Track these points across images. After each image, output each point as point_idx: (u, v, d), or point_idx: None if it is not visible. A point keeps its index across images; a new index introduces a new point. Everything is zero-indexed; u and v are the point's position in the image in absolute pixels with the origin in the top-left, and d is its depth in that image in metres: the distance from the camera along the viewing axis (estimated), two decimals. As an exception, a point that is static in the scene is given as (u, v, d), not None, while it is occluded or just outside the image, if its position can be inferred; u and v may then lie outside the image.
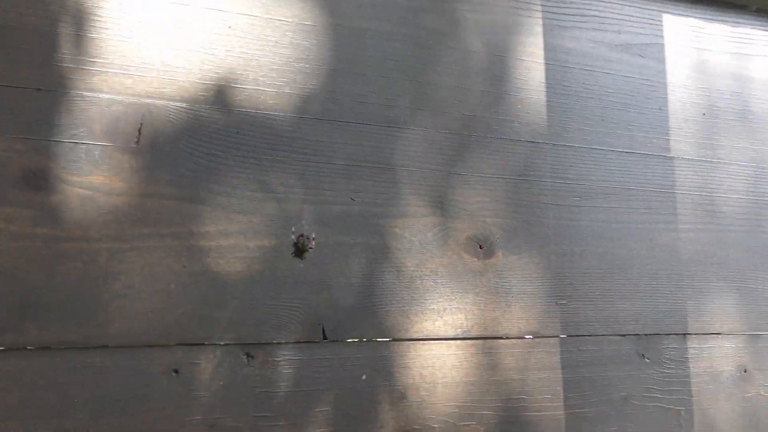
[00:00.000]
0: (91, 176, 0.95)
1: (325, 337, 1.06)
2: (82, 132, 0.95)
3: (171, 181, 1.00)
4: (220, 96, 1.05)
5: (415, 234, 1.14)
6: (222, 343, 1.00)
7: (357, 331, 1.09)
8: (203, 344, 0.98)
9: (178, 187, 1.00)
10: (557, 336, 1.23)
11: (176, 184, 1.00)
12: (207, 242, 1.00)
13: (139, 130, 0.98)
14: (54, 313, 0.91)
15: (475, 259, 1.18)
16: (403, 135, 1.16)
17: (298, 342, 1.04)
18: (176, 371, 0.96)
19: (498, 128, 1.24)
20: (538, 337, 1.22)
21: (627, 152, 1.36)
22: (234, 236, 1.02)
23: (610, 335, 1.28)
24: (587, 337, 1.26)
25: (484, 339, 1.17)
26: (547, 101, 1.30)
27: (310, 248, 1.02)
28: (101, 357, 0.93)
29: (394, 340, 1.11)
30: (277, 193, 1.06)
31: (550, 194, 1.27)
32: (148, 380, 0.95)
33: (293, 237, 1.03)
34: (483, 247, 1.20)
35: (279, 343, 1.03)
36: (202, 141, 1.03)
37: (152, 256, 0.97)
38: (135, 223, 0.97)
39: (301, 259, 1.01)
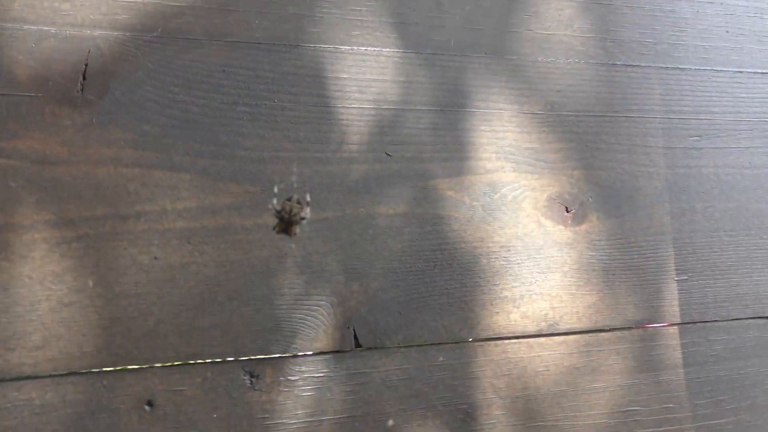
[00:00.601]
0: (17, 140, 0.64)
1: (357, 344, 0.73)
2: (1, 78, 0.64)
3: (132, 142, 0.68)
4: (197, 22, 0.71)
5: (476, 197, 0.78)
6: (214, 361, 0.68)
7: (402, 334, 0.75)
8: (187, 364, 0.67)
9: (142, 150, 0.68)
10: (677, 323, 0.86)
11: (140, 145, 0.68)
12: (187, 223, 0.68)
13: (84, 74, 0.66)
14: (-30, 332, 0.61)
15: (561, 227, 0.82)
16: (452, 64, 0.80)
17: (321, 353, 0.71)
18: (150, 403, 0.65)
19: (583, 49, 0.86)
20: (650, 326, 0.84)
21: (762, 73, 0.94)
22: (225, 213, 0.69)
23: (750, 318, 0.89)
24: (718, 323, 0.88)
25: (578, 334, 0.82)
26: (651, 9, 0.91)
27: (302, 219, 0.68)
28: (40, 390, 0.62)
29: (455, 342, 0.77)
30: (283, 150, 0.72)
31: (659, 134, 0.88)
32: (110, 418, 0.64)
33: (274, 203, 0.69)
34: (571, 209, 0.83)
35: (293, 356, 0.70)
36: (174, 85, 0.70)
37: (109, 247, 0.65)
38: (83, 202, 0.65)
39: (290, 236, 0.68)
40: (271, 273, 0.70)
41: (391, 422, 0.71)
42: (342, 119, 0.77)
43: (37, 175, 0.65)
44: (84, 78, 0.67)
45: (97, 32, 0.68)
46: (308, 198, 0.70)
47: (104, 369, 0.64)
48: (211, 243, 0.69)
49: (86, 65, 0.68)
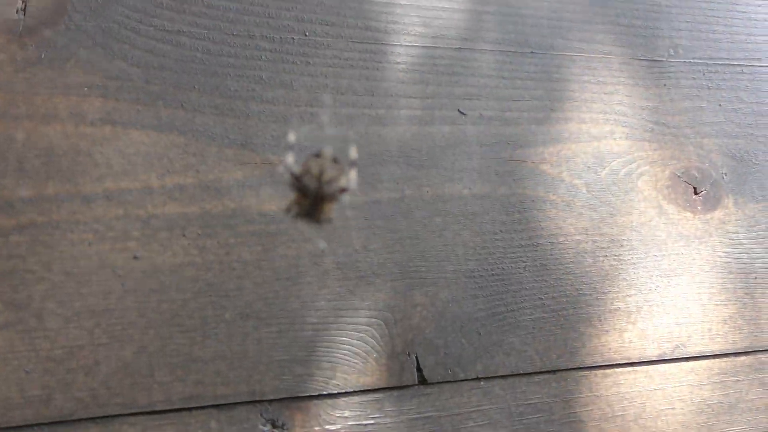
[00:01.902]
0: (-76, 82, 0.42)
1: (422, 379, 0.51)
2: None
3: (100, 88, 0.45)
4: None
5: (578, 173, 0.56)
6: (221, 405, 0.46)
7: (482, 363, 0.53)
8: (180, 410, 0.45)
9: (115, 99, 0.46)
10: (835, 344, 0.63)
11: (111, 93, 0.46)
12: (181, 207, 0.46)
13: None
14: None
15: (689, 214, 0.60)
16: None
17: (371, 391, 0.50)
18: (128, 468, 0.44)
19: (716, -25, 0.63)
20: (801, 347, 0.62)
21: None
22: (235, 193, 0.47)
23: None
24: None
25: (711, 358, 0.60)
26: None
27: (342, 191, 0.36)
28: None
29: (551, 371, 0.55)
30: (316, 104, 0.50)
31: (813, 90, 0.65)
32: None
33: (290, 161, 0.36)
34: (701, 190, 0.61)
35: (333, 396, 0.49)
36: (164, 6, 0.47)
37: (67, 241, 0.44)
38: (27, 176, 0.43)
39: (318, 222, 0.37)
40: (301, 279, 0.49)
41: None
42: (399, 62, 0.54)
43: (-41, 135, 0.43)
44: (29, -6, 0.45)
45: (48, -74, 0.46)
46: (353, 154, 0.39)
47: (59, 420, 0.43)
48: (216, 236, 0.47)
49: (33, -25, 0.45)
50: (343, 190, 0.36)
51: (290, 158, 0.35)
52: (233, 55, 0.50)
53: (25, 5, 0.45)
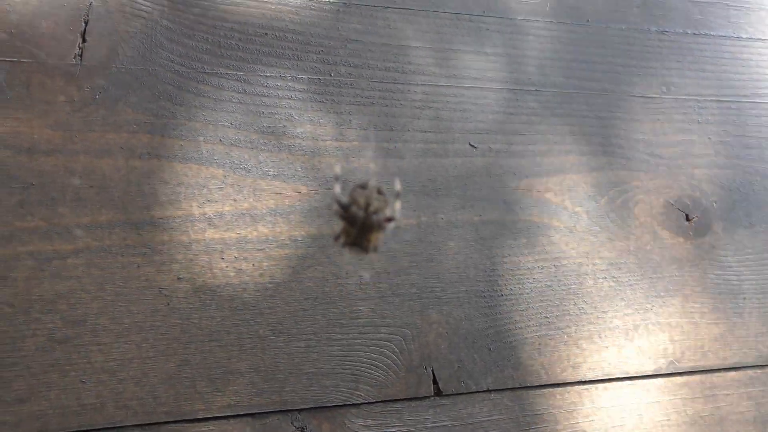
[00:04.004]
0: (-6, 120, 0.47)
1: (437, 391, 0.56)
2: (-29, 38, 0.47)
3: (148, 125, 0.50)
4: (232, -29, 0.54)
5: (579, 201, 0.61)
6: (255, 413, 0.51)
7: (492, 376, 0.58)
8: (220, 417, 0.50)
9: (160, 135, 0.51)
10: (819, 360, 0.68)
11: (157, 129, 0.51)
12: (219, 233, 0.51)
13: (83, 34, 0.49)
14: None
15: (681, 239, 0.65)
16: (549, 33, 0.63)
17: (392, 401, 0.54)
18: (171, 472, 0.48)
19: (705, 19, 0.68)
20: (787, 363, 0.67)
21: None
22: (268, 220, 0.52)
23: None
24: None
25: (703, 373, 0.64)
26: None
27: (389, 221, 0.39)
28: (25, 458, 0.45)
29: (555, 385, 0.60)
30: (342, 139, 0.55)
31: (795, 124, 0.70)
32: (117, 495, 0.47)
33: (337, 192, 0.38)
34: (692, 217, 0.66)
35: (357, 405, 0.53)
36: (201, 51, 0.53)
37: (117, 264, 0.48)
38: (83, 205, 0.48)
39: (365, 252, 0.39)
40: (328, 299, 0.53)
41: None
42: (415, 100, 0.59)
43: (22, 169, 0.48)
44: (83, 39, 0.50)
45: (103, -20, 0.51)
46: (398, 186, 0.42)
47: (110, 426, 0.47)
48: (251, 260, 0.52)
49: (86, 22, 0.51)
50: (389, 220, 0.38)
51: (338, 188, 0.37)
52: (266, 94, 0.56)
53: (82, 51, 0.50)
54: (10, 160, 0.47)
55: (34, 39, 0.49)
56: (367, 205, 0.38)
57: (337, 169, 0.39)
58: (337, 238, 0.38)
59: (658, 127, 0.67)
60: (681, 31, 0.68)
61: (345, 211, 0.37)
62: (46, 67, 0.49)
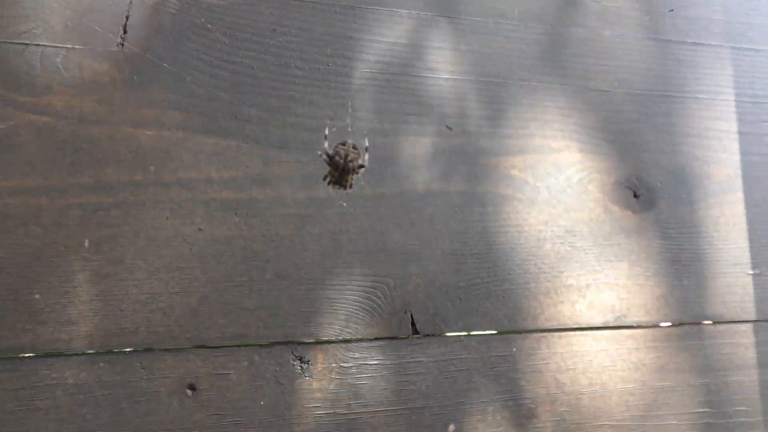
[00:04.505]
0: (51, 95, 0.58)
1: (415, 331, 0.66)
2: (35, 28, 0.58)
3: (176, 103, 0.61)
4: (247, -24, 0.65)
5: (540, 178, 0.72)
6: (261, 344, 0.62)
7: (462, 322, 0.68)
8: (232, 346, 0.61)
9: (186, 111, 0.62)
10: (750, 321, 0.79)
11: (183, 106, 0.62)
12: (234, 194, 0.62)
13: (125, 27, 0.60)
14: (-2, 304, 0.55)
15: (629, 213, 0.76)
16: (516, 34, 0.74)
17: (376, 339, 0.65)
18: (192, 387, 0.59)
19: (653, 25, 0.80)
20: (722, 322, 0.78)
21: (839, 55, 0.88)
22: (274, 184, 0.63)
23: (824, 318, 0.82)
24: (791, 322, 0.81)
25: (647, 328, 0.75)
26: (721, -15, 0.85)
27: (361, 168, 0.59)
28: (74, 369, 0.56)
29: (516, 332, 0.70)
30: (337, 119, 0.66)
31: (732, 118, 0.81)
32: (149, 403, 0.58)
33: (325, 147, 0.59)
34: (639, 194, 0.77)
35: (347, 341, 0.64)
36: (222, 43, 0.64)
37: (150, 216, 0.59)
38: (122, 166, 0.59)
39: (345, 189, 0.60)
40: (325, 251, 0.64)
41: (452, 427, 0.64)
42: (400, 88, 0.71)
43: (73, 135, 0.59)
44: (125, 31, 0.61)
45: (141, -18, 0.63)
46: (366, 143, 0.60)
47: (144, 348, 0.58)
48: (260, 216, 0.63)
49: (127, 17, 0.62)
50: (361, 166, 0.58)
51: (326, 144, 0.56)
52: (274, 79, 0.67)
53: (123, 41, 0.61)
54: (65, 128, 0.58)
55: (85, 30, 0.60)
56: (346, 155, 0.56)
57: (326, 131, 0.52)
58: (324, 178, 0.52)
59: (611, 116, 0.78)
60: (632, 35, 0.80)
61: (330, 160, 0.52)
62: (95, 53, 0.60)
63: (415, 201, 0.68)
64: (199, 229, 0.60)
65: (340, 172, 0.58)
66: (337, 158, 0.58)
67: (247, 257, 0.62)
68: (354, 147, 0.59)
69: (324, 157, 0.58)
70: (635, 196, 0.77)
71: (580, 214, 0.74)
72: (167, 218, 0.60)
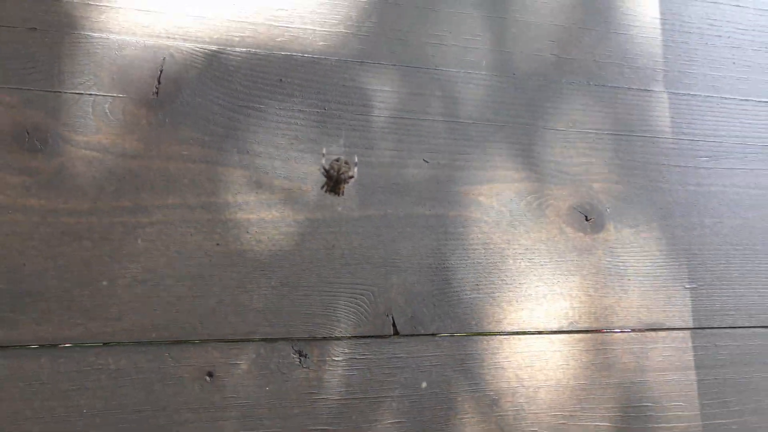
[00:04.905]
0: (100, 135, 0.72)
1: (396, 332, 0.80)
2: (88, 81, 0.73)
3: (199, 141, 0.76)
4: (258, 36, 0.80)
5: (504, 203, 0.86)
6: (267, 339, 0.75)
7: (436, 324, 0.82)
8: (243, 340, 0.74)
9: (208, 148, 0.76)
10: (687, 328, 0.92)
11: (206, 143, 0.76)
12: (246, 215, 0.76)
13: (159, 79, 0.75)
14: (55, 302, 0.68)
15: (581, 234, 0.89)
16: (484, 82, 0.89)
17: (363, 336, 0.79)
18: (210, 374, 0.72)
19: (603, 74, 0.95)
20: (662, 329, 0.91)
21: (767, 102, 1.03)
22: (279, 207, 0.77)
23: (755, 327, 0.96)
24: (725, 330, 0.95)
25: (596, 332, 0.88)
26: (664, 40, 1.00)
27: (351, 178, 0.76)
28: (116, 357, 0.69)
29: (483, 334, 0.84)
30: (332, 154, 0.80)
31: (672, 154, 0.96)
32: (175, 386, 0.71)
33: (323, 162, 0.77)
34: (590, 218, 0.91)
35: (338, 338, 0.78)
36: (237, 91, 0.78)
37: (178, 233, 0.73)
38: (156, 192, 0.73)
39: (338, 195, 0.76)
40: (320, 263, 0.78)
41: (424, 384, 0.77)
42: (384, 128, 0.85)
43: (117, 167, 0.73)
44: (159, 83, 0.76)
45: (171, 42, 0.77)
46: (356, 159, 0.78)
47: (172, 341, 0.72)
48: (267, 233, 0.77)
49: (161, 71, 0.76)
50: (351, 177, 0.76)
51: (323, 161, 0.75)
52: (280, 121, 0.81)
53: (158, 90, 0.76)
54: (111, 161, 0.72)
55: (127, 81, 0.74)
56: (339, 168, 0.75)
57: (323, 151, 0.68)
58: (322, 187, 0.68)
59: (566, 152, 0.92)
60: (585, 82, 0.95)
61: (326, 172, 0.72)
62: (135, 100, 0.74)
63: (397, 222, 0.82)
64: (217, 245, 0.74)
65: (334, 182, 0.76)
66: (332, 171, 0.76)
67: (256, 268, 0.75)
68: (346, 162, 0.76)
69: (322, 170, 0.76)
70: (587, 219, 0.91)
71: (538, 235, 0.88)
72: (192, 235, 0.74)
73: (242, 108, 0.78)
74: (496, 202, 0.86)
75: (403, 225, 0.82)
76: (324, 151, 0.74)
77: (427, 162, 0.85)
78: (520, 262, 0.86)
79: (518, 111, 0.89)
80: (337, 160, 0.76)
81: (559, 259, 0.88)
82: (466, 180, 0.85)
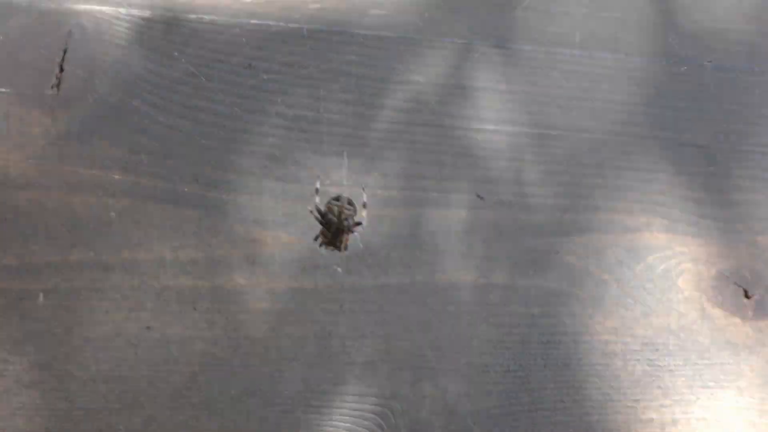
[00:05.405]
0: (-28, 151, 0.92)
1: None
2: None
3: (122, 161, 0.95)
4: (216, -4, 1.01)
5: (609, 267, 1.03)
6: None
7: None
8: None
9: (135, 173, 0.95)
10: None
11: (132, 166, 0.95)
12: (192, 281, 0.95)
13: (61, 64, 0.95)
14: None
15: (737, 320, 1.05)
16: (576, 67, 1.07)
17: None
18: None
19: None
20: None
21: None
22: (245, 270, 0.96)
23: None
24: None
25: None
26: None
27: (357, 224, 0.94)
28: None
29: None
30: (332, 185, 1.00)
31: None
32: None
33: (317, 201, 0.94)
34: (753, 294, 1.06)
35: None
36: (184, 83, 0.99)
37: (86, 308, 0.91)
38: (54, 243, 0.92)
39: (339, 251, 0.94)
40: (308, 360, 0.96)
41: None
42: (414, 142, 1.02)
43: (-5, 202, 0.93)
44: (61, 69, 0.95)
45: (82, 6, 0.98)
46: (365, 198, 0.93)
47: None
48: (224, 312, 0.95)
49: (65, 52, 0.96)
50: (358, 224, 0.91)
51: (317, 199, 0.90)
52: (248, 131, 1.01)
53: (59, 81, 0.97)
54: (-15, 195, 0.93)
55: (13, 69, 0.96)
56: (339, 213, 0.91)
57: (317, 184, 0.87)
58: (315, 238, 0.88)
59: (713, 182, 1.09)
60: (747, 68, 1.15)
61: (322, 218, 0.89)
62: (23, 97, 0.95)
63: (432, 296, 0.99)
64: (147, 328, 0.94)
65: (333, 231, 0.93)
66: (329, 216, 0.93)
67: (207, 366, 0.93)
68: (350, 203, 0.94)
69: (315, 214, 0.93)
70: (746, 296, 1.05)
71: (665, 320, 1.03)
72: (107, 312, 0.93)
73: (188, 110, 0.97)
74: (595, 265, 1.03)
75: (443, 301, 0.99)
76: (317, 185, 0.91)
77: (482, 198, 1.03)
78: (633, 365, 1.02)
79: (632, 115, 1.07)
80: (337, 199, 0.93)
81: (699, 362, 1.03)
82: (544, 228, 1.02)
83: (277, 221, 0.97)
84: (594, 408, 1.01)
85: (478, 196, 1.01)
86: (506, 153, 1.03)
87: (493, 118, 1.04)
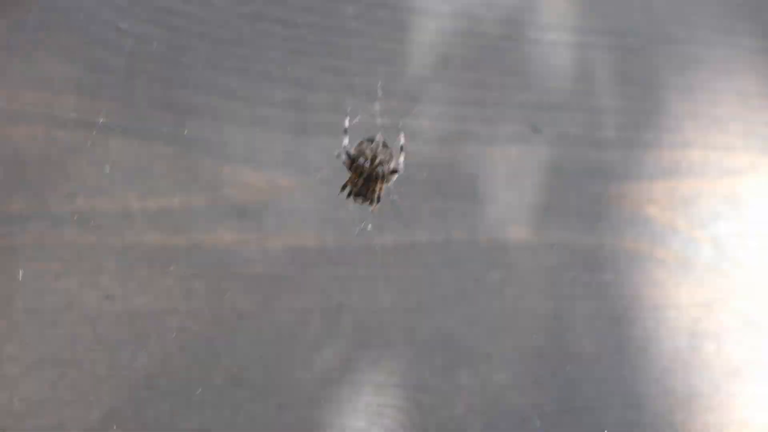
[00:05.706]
0: None
1: None
2: None
3: (76, 82, 0.85)
4: None
5: (703, 222, 0.95)
6: None
7: None
8: None
9: (92, 96, 0.86)
10: None
11: (88, 87, 0.86)
12: (167, 237, 0.86)
13: None
14: None
15: None
16: None
17: None
18: None
19: None
20: None
21: None
22: (231, 223, 0.87)
23: None
24: None
25: None
26: None
27: (393, 173, 0.84)
28: None
29: None
30: (335, 109, 0.90)
31: None
32: None
33: (345, 143, 0.84)
34: None
35: None
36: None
37: (30, 271, 0.82)
38: None
39: (369, 203, 0.83)
40: (314, 340, 0.88)
41: None
42: (451, 56, 0.93)
43: None
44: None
45: None
46: (402, 140, 0.84)
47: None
48: (207, 275, 0.87)
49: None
50: (394, 172, 0.82)
51: (346, 140, 0.81)
52: (238, 42, 0.90)
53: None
54: None
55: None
56: (374, 157, 0.81)
57: (346, 123, 0.79)
58: (343, 188, 0.80)
59: None
60: None
61: (352, 163, 0.81)
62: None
63: (473, 258, 0.92)
64: (107, 297, 0.85)
65: (365, 179, 0.83)
66: (361, 160, 0.83)
67: (183, 347, 0.86)
68: (385, 145, 0.84)
69: (344, 158, 0.83)
70: None
71: None
72: (57, 277, 0.84)
73: (164, 14, 0.88)
74: (684, 219, 0.95)
75: (485, 265, 0.92)
76: (346, 123, 0.82)
77: (539, 131, 0.94)
78: (733, 349, 0.95)
79: (737, 21, 1.00)
80: (370, 140, 0.84)
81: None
82: (618, 170, 0.95)
83: (273, 160, 0.88)
84: (679, 404, 0.92)
85: (534, 128, 0.90)
86: (569, 71, 0.92)
87: (553, 25, 0.93)
